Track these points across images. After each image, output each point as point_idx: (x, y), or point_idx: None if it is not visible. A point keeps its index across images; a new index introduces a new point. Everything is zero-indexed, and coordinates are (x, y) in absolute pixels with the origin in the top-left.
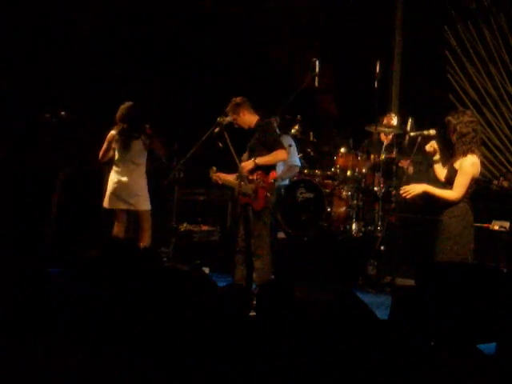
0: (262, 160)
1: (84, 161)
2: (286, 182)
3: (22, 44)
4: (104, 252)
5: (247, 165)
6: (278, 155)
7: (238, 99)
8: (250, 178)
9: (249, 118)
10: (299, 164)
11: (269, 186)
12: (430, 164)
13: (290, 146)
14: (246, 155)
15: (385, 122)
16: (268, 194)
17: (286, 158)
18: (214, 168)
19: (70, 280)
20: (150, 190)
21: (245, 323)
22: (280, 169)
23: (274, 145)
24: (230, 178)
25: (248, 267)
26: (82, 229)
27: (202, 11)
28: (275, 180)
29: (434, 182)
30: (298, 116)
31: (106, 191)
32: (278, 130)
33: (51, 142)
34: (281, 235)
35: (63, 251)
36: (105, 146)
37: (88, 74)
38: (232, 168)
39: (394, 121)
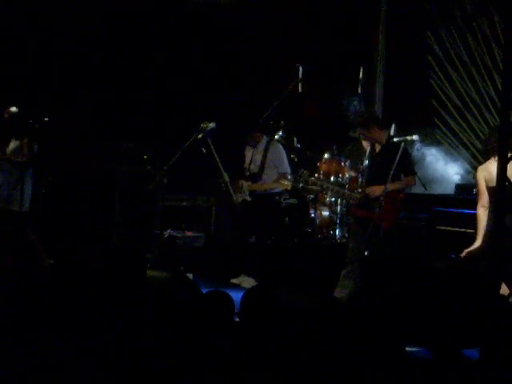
0: (392, 187)
1: (67, 166)
2: (279, 189)
3: (5, 49)
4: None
5: (377, 190)
6: (408, 182)
7: (369, 114)
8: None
9: (380, 134)
10: (289, 171)
11: (401, 205)
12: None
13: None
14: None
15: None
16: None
17: (414, 184)
18: (306, 171)
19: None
20: (133, 196)
21: (229, 329)
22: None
23: (408, 169)
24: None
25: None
26: (67, 233)
27: (184, 17)
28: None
29: (421, 186)
30: (282, 121)
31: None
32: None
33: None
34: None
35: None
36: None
37: (72, 80)
38: (216, 173)
39: None
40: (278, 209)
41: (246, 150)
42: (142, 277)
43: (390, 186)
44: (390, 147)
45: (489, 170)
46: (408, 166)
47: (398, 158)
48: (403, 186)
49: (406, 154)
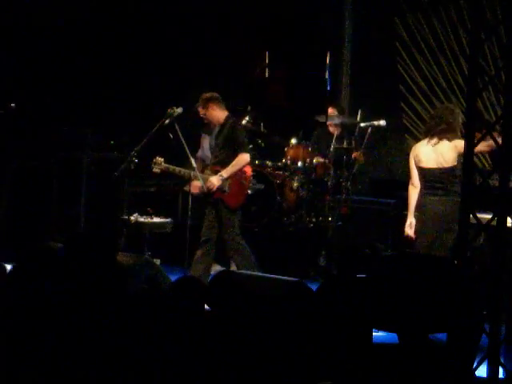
0: (228, 172)
1: (33, 153)
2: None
3: None
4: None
5: (215, 182)
6: (240, 161)
7: (208, 94)
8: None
9: (217, 114)
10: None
11: (248, 182)
12: (379, 154)
13: None
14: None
15: (329, 112)
16: (248, 192)
17: (248, 162)
18: (160, 159)
19: (25, 275)
20: (100, 182)
21: (199, 317)
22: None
23: (239, 146)
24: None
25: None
26: (33, 221)
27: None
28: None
29: (388, 171)
30: (249, 107)
31: None
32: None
33: (0, 133)
34: None
35: (15, 244)
36: None
37: (39, 66)
38: (183, 159)
39: (336, 111)
40: None
41: (202, 138)
42: (111, 263)
43: (225, 173)
44: (225, 127)
45: (418, 150)
46: (237, 144)
47: (224, 137)
48: (237, 168)
49: (235, 132)
